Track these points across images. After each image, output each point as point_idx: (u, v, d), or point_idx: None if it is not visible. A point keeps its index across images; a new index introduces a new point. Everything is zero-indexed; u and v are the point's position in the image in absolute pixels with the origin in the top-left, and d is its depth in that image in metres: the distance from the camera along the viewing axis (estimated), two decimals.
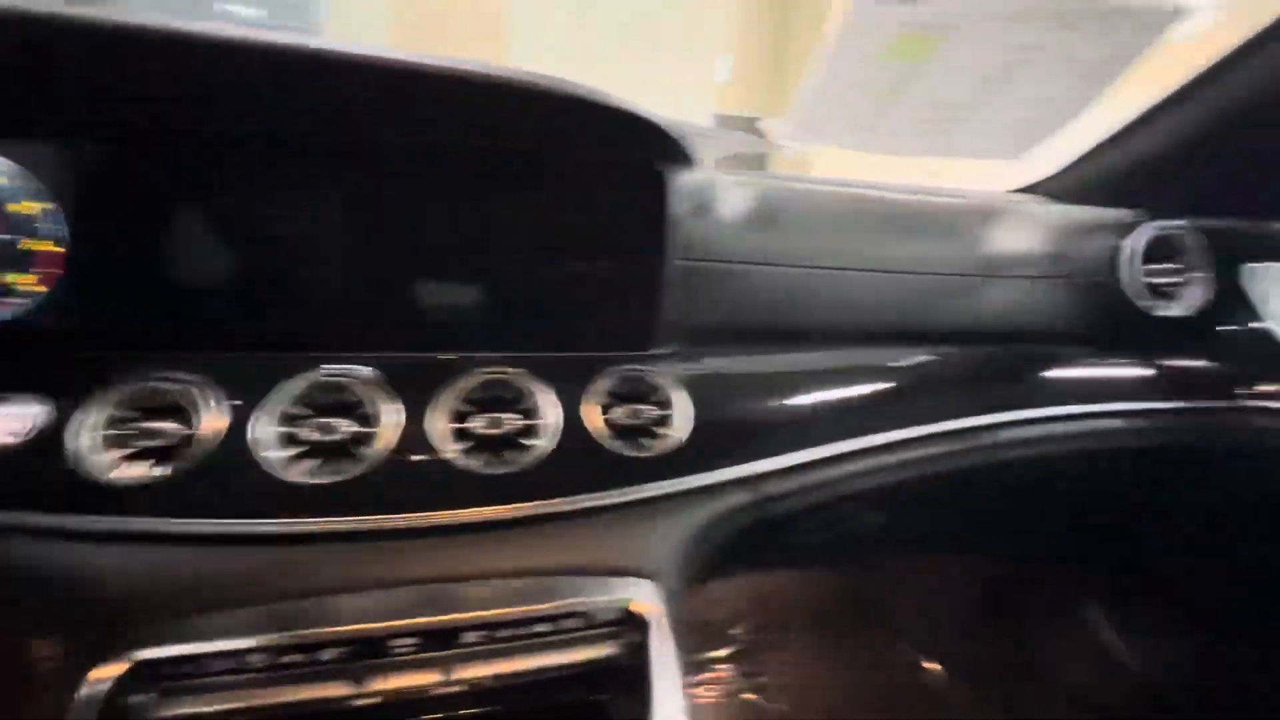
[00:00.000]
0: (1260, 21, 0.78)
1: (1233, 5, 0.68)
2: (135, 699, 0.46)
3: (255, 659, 0.48)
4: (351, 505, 0.53)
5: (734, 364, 0.71)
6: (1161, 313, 0.86)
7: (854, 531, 0.94)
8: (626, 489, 0.59)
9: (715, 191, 0.75)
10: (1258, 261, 0.88)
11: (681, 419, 0.63)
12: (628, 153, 0.64)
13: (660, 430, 0.62)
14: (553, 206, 0.64)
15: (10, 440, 0.50)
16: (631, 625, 0.54)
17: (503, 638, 0.52)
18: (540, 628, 0.53)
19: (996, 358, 0.84)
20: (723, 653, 1.30)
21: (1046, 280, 0.87)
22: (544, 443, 0.58)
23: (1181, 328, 0.87)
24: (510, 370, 0.60)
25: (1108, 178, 0.95)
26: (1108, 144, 0.95)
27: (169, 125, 0.55)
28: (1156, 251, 0.88)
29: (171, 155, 0.55)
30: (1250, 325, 0.88)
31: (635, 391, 0.63)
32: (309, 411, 0.55)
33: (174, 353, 0.55)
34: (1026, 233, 0.89)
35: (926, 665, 1.30)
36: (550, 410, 0.59)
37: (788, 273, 0.74)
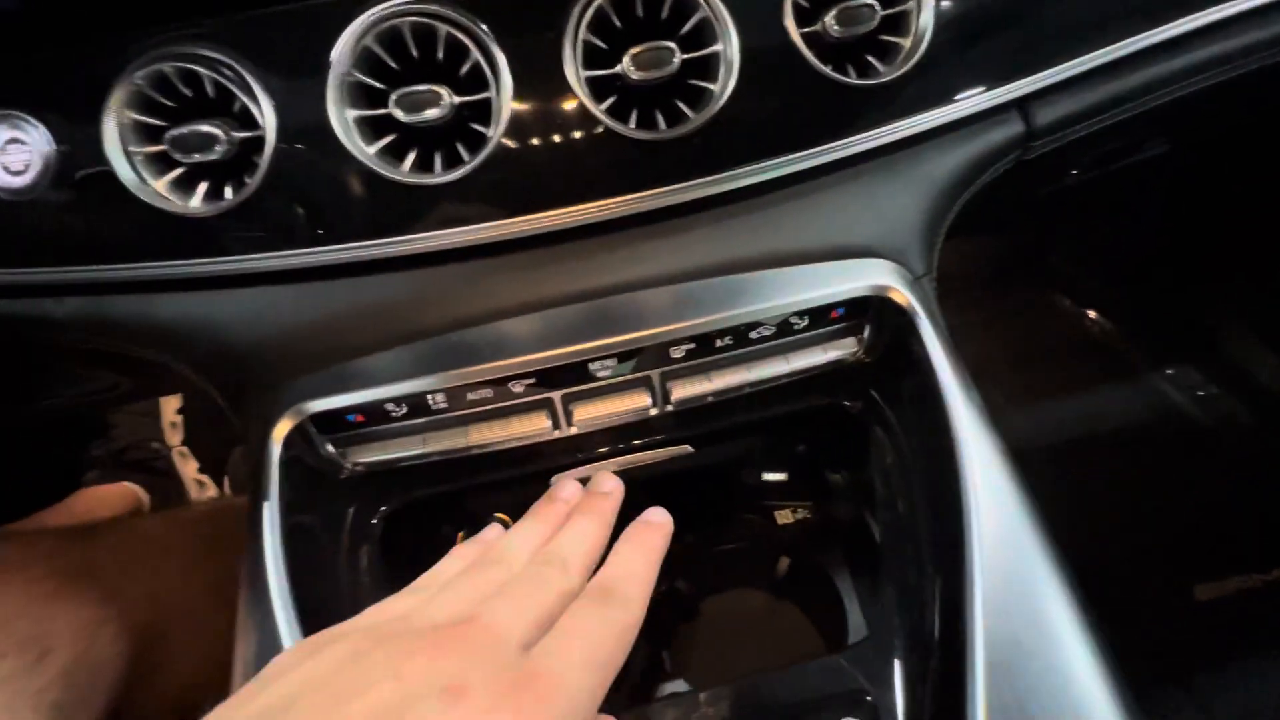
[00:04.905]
0: None
1: None
2: (311, 451, 0.41)
3: (438, 400, 0.40)
4: (487, 204, 0.38)
5: None
6: None
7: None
8: (848, 139, 0.41)
9: None
10: None
11: (924, 17, 0.40)
12: None
13: (891, 39, 0.40)
14: None
15: (18, 181, 0.37)
16: (883, 316, 0.42)
17: (721, 347, 0.41)
18: (760, 332, 0.41)
19: None
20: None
21: None
22: (721, 84, 0.38)
23: None
24: None
25: None
26: None
27: None
28: None
29: None
30: None
31: None
32: (379, 84, 0.37)
33: (175, 23, 0.37)
34: None
35: None
36: (729, 28, 0.38)
37: None
